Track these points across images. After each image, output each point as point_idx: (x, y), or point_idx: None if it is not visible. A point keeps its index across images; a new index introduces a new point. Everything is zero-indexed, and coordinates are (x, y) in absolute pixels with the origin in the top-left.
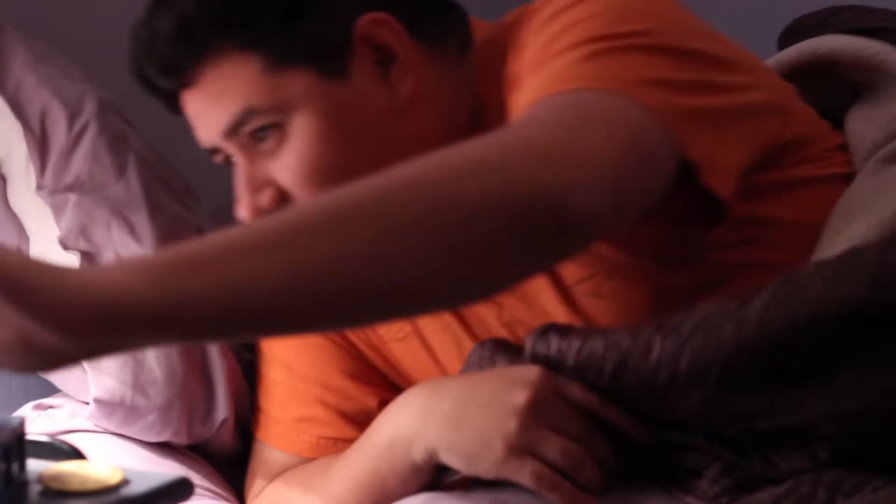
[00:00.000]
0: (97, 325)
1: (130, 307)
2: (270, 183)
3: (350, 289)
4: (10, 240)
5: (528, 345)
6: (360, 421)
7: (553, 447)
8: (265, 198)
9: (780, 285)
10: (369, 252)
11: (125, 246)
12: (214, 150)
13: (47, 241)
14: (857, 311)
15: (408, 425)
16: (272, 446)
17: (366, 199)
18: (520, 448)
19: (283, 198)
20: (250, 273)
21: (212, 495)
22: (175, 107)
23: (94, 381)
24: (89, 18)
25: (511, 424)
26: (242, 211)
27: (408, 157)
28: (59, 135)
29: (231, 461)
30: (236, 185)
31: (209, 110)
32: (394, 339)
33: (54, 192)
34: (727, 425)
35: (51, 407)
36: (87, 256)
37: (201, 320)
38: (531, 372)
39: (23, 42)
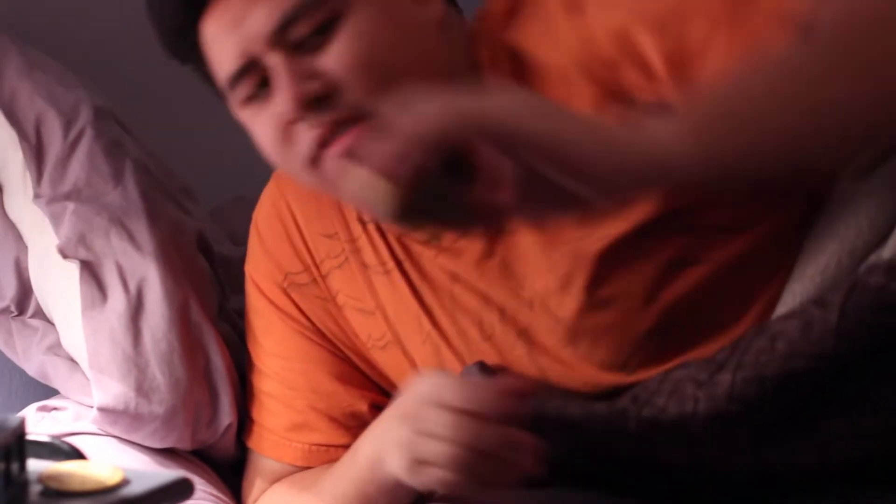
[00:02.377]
0: (637, 181)
1: (675, 165)
2: (317, 74)
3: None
4: (8, 249)
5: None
6: (352, 426)
7: (437, 453)
8: (314, 85)
9: (747, 346)
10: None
11: (125, 253)
12: (242, 74)
13: (46, 250)
14: (825, 363)
15: (381, 444)
16: (265, 456)
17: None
18: (414, 459)
19: (332, 88)
20: (768, 122)
21: (214, 499)
22: (181, 45)
23: (97, 388)
24: (89, 20)
25: (401, 438)
26: (287, 103)
27: (429, 77)
28: (54, 143)
29: (233, 466)
30: (278, 82)
31: (251, 11)
32: (375, 346)
33: (52, 200)
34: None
35: (55, 409)
36: (86, 265)
37: (730, 170)
38: (421, 384)
39: (17, 49)
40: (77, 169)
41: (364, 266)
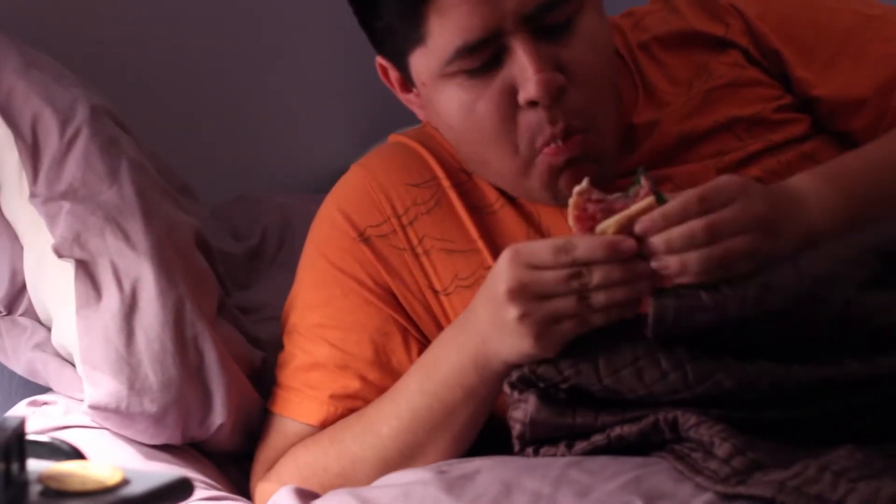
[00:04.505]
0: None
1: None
2: (561, 66)
3: None
4: (4, 248)
5: None
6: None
7: (566, 306)
8: (560, 77)
9: None
10: None
11: (120, 253)
12: (480, 46)
13: (42, 249)
14: None
15: (482, 335)
16: (301, 420)
17: None
18: (543, 323)
19: (568, 84)
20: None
21: (207, 487)
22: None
23: (89, 384)
24: (91, 19)
25: (517, 312)
26: (539, 87)
27: (615, 96)
28: (51, 141)
29: (230, 456)
30: (527, 62)
31: None
32: (459, 286)
33: (48, 200)
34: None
35: (45, 403)
36: (82, 264)
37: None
38: (500, 263)
39: (14, 47)
40: (73, 168)
41: (470, 207)
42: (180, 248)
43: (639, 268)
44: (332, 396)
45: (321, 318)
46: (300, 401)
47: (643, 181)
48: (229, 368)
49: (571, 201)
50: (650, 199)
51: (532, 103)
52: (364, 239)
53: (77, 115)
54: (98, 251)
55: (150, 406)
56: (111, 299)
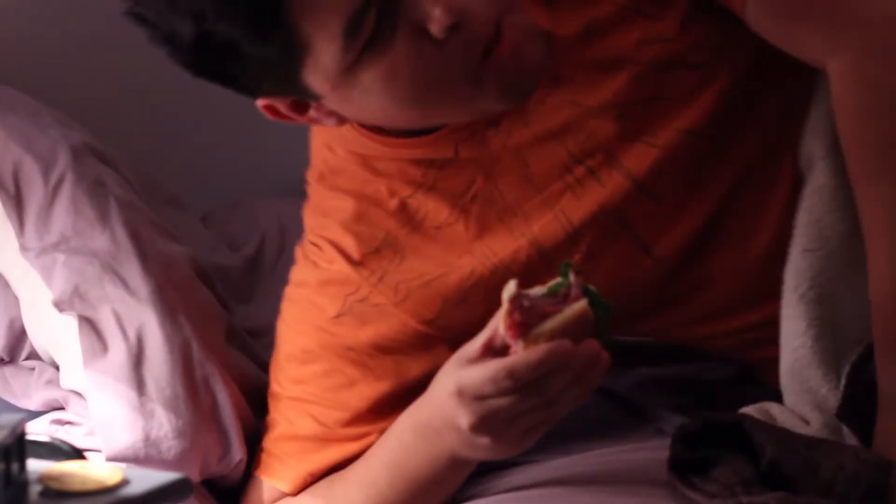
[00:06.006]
0: None
1: None
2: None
3: None
4: None
5: None
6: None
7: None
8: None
9: None
10: None
11: (121, 301)
12: (362, 10)
13: (37, 299)
14: None
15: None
16: (278, 486)
17: None
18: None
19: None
20: None
21: None
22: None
23: (104, 439)
24: (85, 21)
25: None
26: (446, 7)
27: None
28: (35, 190)
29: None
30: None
31: None
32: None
33: (41, 253)
34: None
35: (69, 423)
36: (84, 319)
37: None
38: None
39: None
40: (62, 216)
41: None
42: (180, 285)
43: (585, 362)
44: (310, 473)
45: (303, 394)
46: (280, 467)
47: (572, 278)
48: (240, 405)
49: (504, 309)
50: (583, 303)
51: (450, 28)
52: (338, 316)
53: (59, 159)
54: (99, 301)
55: (168, 453)
56: (118, 350)
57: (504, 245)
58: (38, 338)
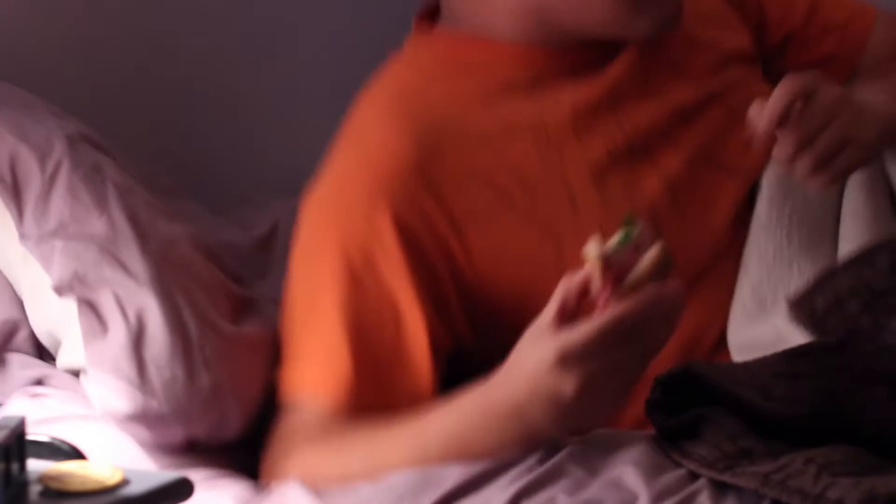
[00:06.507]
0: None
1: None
2: None
3: None
4: None
5: None
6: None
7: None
8: None
9: None
10: None
11: (121, 284)
12: None
13: (33, 287)
14: None
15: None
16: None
17: None
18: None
19: None
20: None
21: (215, 476)
22: None
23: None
24: (92, 10)
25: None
26: None
27: None
28: (32, 179)
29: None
30: None
31: None
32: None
33: (39, 241)
34: None
35: (44, 395)
36: (84, 301)
37: None
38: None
39: None
40: (59, 203)
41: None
42: (181, 265)
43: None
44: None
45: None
46: (317, 371)
47: (641, 226)
48: (242, 383)
49: (596, 266)
50: (658, 248)
51: None
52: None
53: (55, 148)
54: (98, 284)
55: (165, 435)
56: (118, 330)
57: None
58: (40, 325)
